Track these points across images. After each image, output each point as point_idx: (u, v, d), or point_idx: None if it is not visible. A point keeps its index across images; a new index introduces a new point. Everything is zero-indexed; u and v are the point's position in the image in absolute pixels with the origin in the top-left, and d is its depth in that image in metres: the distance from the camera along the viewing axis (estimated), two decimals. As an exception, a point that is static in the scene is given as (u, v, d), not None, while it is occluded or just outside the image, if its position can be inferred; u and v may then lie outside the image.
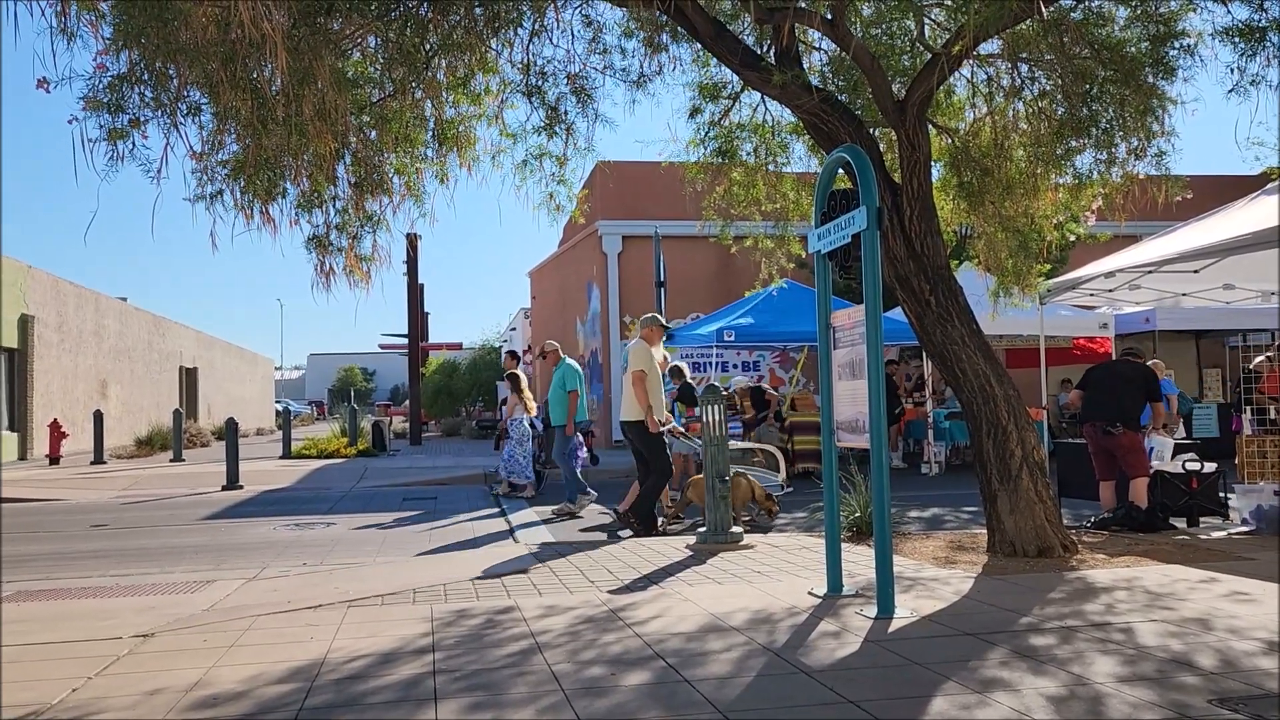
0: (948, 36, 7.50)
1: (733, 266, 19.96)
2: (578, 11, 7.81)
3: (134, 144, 6.17)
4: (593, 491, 11.38)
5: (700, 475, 8.73)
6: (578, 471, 11.60)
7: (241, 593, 6.78)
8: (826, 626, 5.14)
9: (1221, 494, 9.12)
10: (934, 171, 8.22)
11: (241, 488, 15.20)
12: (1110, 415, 8.71)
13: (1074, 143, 7.75)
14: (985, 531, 7.54)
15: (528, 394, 13.34)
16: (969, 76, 8.47)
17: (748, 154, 9.01)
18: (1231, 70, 6.74)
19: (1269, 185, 9.02)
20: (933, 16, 7.99)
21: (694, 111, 8.78)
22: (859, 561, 6.84)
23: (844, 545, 6.57)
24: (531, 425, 13.46)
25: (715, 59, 7.97)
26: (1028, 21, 6.87)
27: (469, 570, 7.18)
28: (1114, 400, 8.77)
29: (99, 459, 21.11)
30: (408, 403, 30.82)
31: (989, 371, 7.28)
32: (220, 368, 42.48)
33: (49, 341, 24.24)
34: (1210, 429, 16.06)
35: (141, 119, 6.16)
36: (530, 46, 7.59)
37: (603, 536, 9.15)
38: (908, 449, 17.58)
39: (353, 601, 6.12)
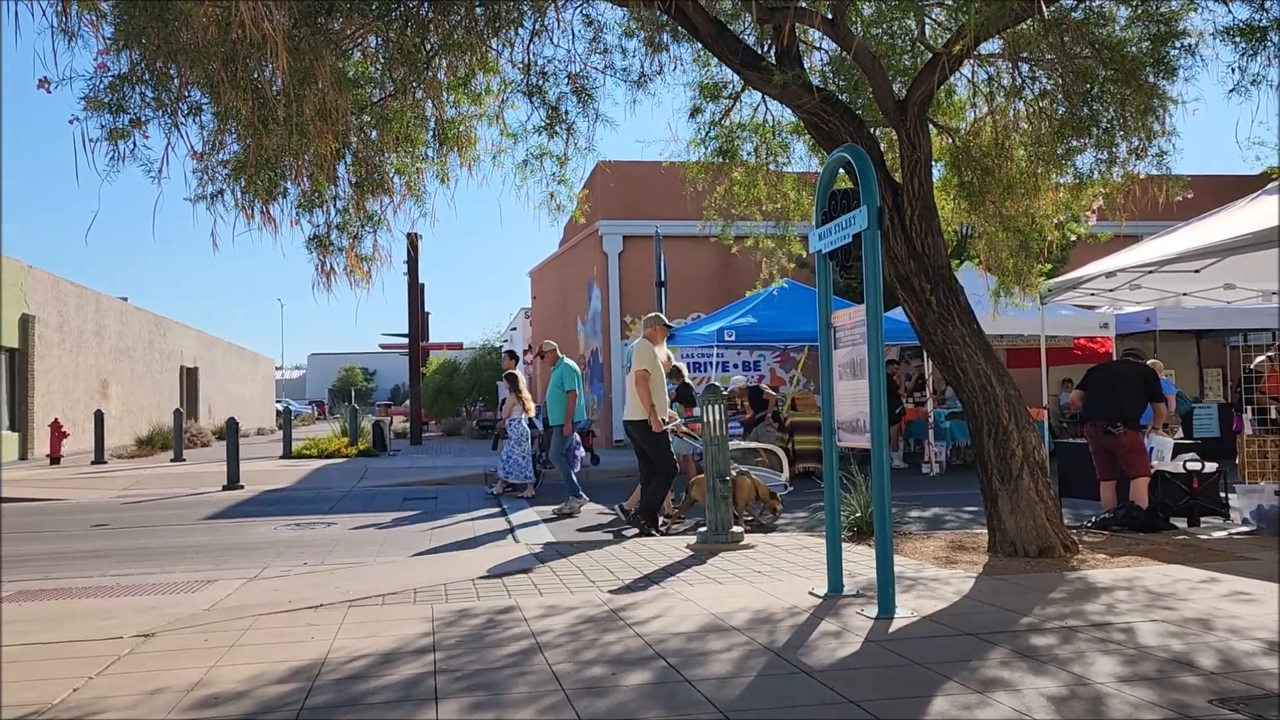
0: (948, 36, 7.50)
1: (733, 266, 19.97)
2: (578, 11, 7.82)
3: (135, 144, 6.18)
4: (584, 495, 11.33)
5: (703, 475, 8.72)
6: (574, 472, 11.60)
7: (242, 592, 6.78)
8: (827, 626, 5.14)
9: (1222, 494, 9.12)
10: (935, 171, 8.22)
11: (242, 487, 15.20)
12: (1111, 415, 8.71)
13: (1075, 142, 7.75)
14: (986, 531, 7.54)
15: (526, 394, 13.32)
16: (970, 76, 8.47)
17: (748, 154, 9.01)
18: (1232, 70, 6.75)
19: (1270, 185, 9.02)
20: (933, 16, 7.99)
21: (694, 111, 8.78)
22: (860, 561, 6.85)
23: (845, 545, 6.58)
24: (532, 425, 13.46)
25: (716, 59, 7.97)
26: (1028, 21, 6.87)
27: (470, 570, 7.18)
28: (1114, 400, 8.76)
29: (99, 459, 21.12)
30: (408, 402, 30.83)
31: (990, 371, 7.28)
32: (221, 367, 42.49)
33: (50, 341, 24.25)
34: (1211, 429, 16.08)
35: (142, 119, 6.16)
36: (531, 46, 7.60)
37: (603, 536, 9.16)
38: (908, 449, 17.57)
39: (353, 601, 6.12)
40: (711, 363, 18.60)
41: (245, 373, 47.95)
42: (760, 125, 9.01)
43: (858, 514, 8.15)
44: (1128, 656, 4.42)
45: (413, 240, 24.59)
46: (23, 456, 22.55)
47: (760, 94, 8.44)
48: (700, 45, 7.87)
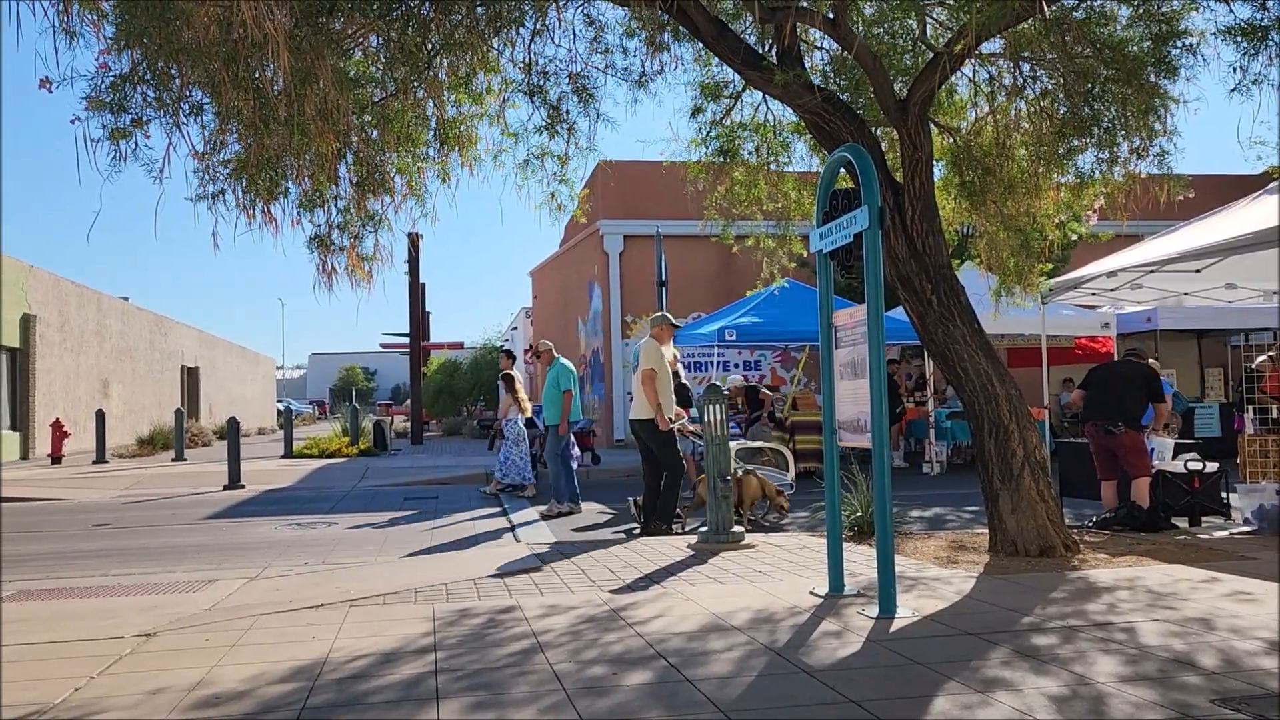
0: (950, 36, 7.50)
1: (734, 266, 19.96)
2: (579, 11, 7.82)
3: (136, 144, 6.19)
4: (566, 503, 11.27)
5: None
6: (574, 473, 11.60)
7: (243, 592, 6.78)
8: (828, 626, 5.14)
9: (1223, 494, 9.11)
10: (936, 171, 8.22)
11: (243, 487, 15.21)
12: (1112, 415, 8.71)
13: (1076, 142, 7.74)
14: (987, 531, 7.54)
15: (522, 395, 13.29)
16: (971, 76, 8.47)
17: (749, 153, 9.01)
18: (1233, 69, 6.75)
19: (1270, 184, 9.02)
20: (935, 16, 7.99)
21: (696, 111, 8.78)
22: (860, 561, 6.84)
23: (845, 545, 6.58)
24: (533, 425, 13.44)
25: (717, 58, 7.97)
26: (1030, 21, 6.87)
27: (470, 570, 7.18)
28: (1115, 400, 8.76)
29: (101, 458, 21.13)
30: (409, 402, 30.83)
31: (991, 371, 7.27)
32: (222, 367, 42.51)
33: (51, 341, 24.26)
34: (1212, 428, 16.07)
35: (144, 119, 6.17)
36: (532, 46, 7.60)
37: (604, 535, 9.16)
38: (909, 448, 17.57)
39: (354, 601, 6.12)
40: (712, 362, 18.59)
41: (246, 372, 47.96)
42: (761, 125, 9.01)
43: (859, 514, 8.15)
44: (1129, 656, 4.42)
45: (414, 240, 24.58)
46: (24, 456, 22.57)
47: (761, 94, 8.44)
48: (701, 45, 7.87)
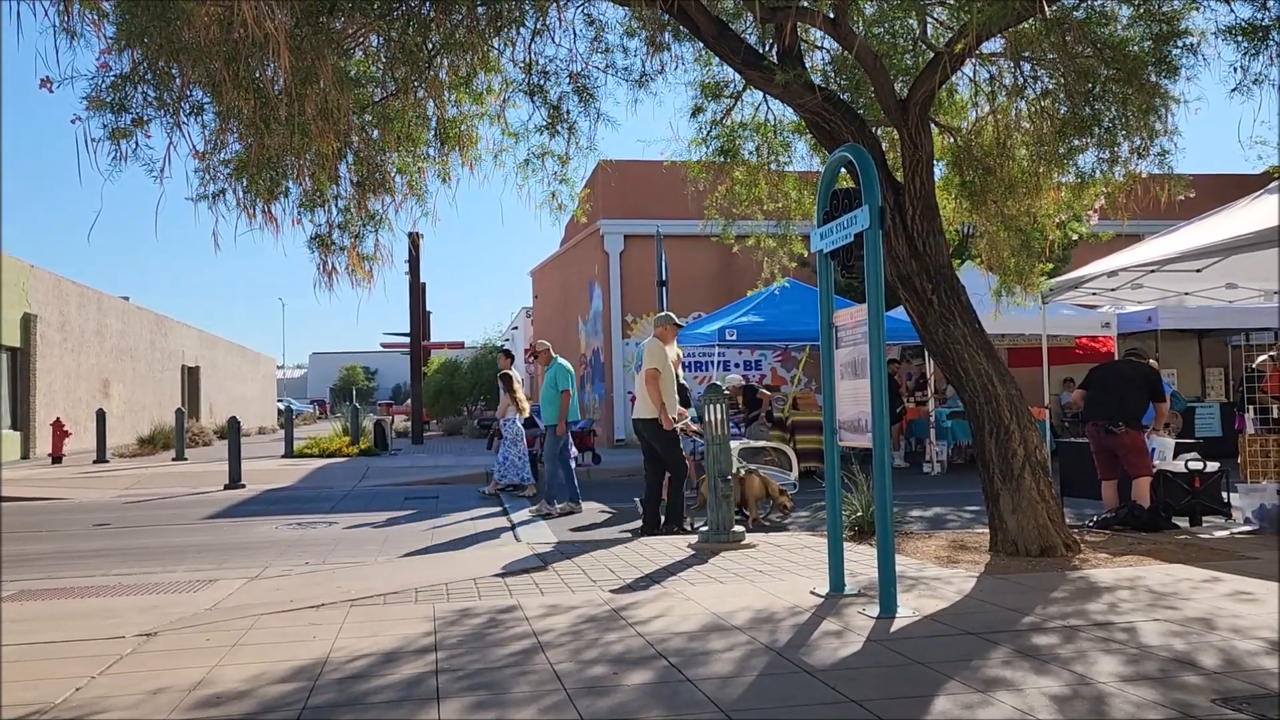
0: (950, 35, 7.50)
1: (734, 266, 19.96)
2: (580, 10, 7.82)
3: (137, 143, 6.20)
4: (556, 505, 11.26)
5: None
6: (574, 472, 11.60)
7: (244, 592, 6.78)
8: (829, 626, 5.14)
9: (1224, 493, 9.11)
10: (936, 170, 8.21)
11: (244, 487, 15.21)
12: (1112, 415, 8.71)
13: (1076, 141, 7.74)
14: (987, 531, 7.54)
15: (520, 394, 13.27)
16: (971, 75, 8.47)
17: (750, 153, 9.00)
18: (1234, 69, 6.74)
19: (1271, 184, 9.01)
20: (935, 15, 7.99)
21: (696, 110, 8.78)
22: (861, 561, 6.84)
23: (846, 544, 6.58)
24: (532, 424, 13.44)
25: (717, 58, 7.97)
26: (1030, 20, 6.87)
27: (471, 569, 7.18)
28: (1116, 400, 8.76)
29: (101, 458, 21.14)
30: (409, 402, 30.83)
31: (991, 371, 7.27)
32: (222, 367, 42.51)
33: (51, 341, 24.27)
34: (1213, 428, 16.07)
35: (144, 118, 6.17)
36: (532, 45, 7.60)
37: (605, 535, 9.17)
38: (910, 448, 17.57)
39: (355, 601, 6.12)
40: (713, 362, 18.59)
41: (247, 372, 47.96)
42: (762, 125, 9.01)
43: (859, 513, 8.15)
44: (1130, 656, 4.42)
45: (414, 239, 24.54)
46: (25, 455, 22.57)
47: (762, 93, 8.43)
48: (702, 44, 7.87)
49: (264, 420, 47.50)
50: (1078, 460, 9.72)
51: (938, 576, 6.44)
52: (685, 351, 16.99)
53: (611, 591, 6.20)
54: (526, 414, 13.34)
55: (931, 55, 7.53)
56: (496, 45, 7.29)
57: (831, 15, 7.23)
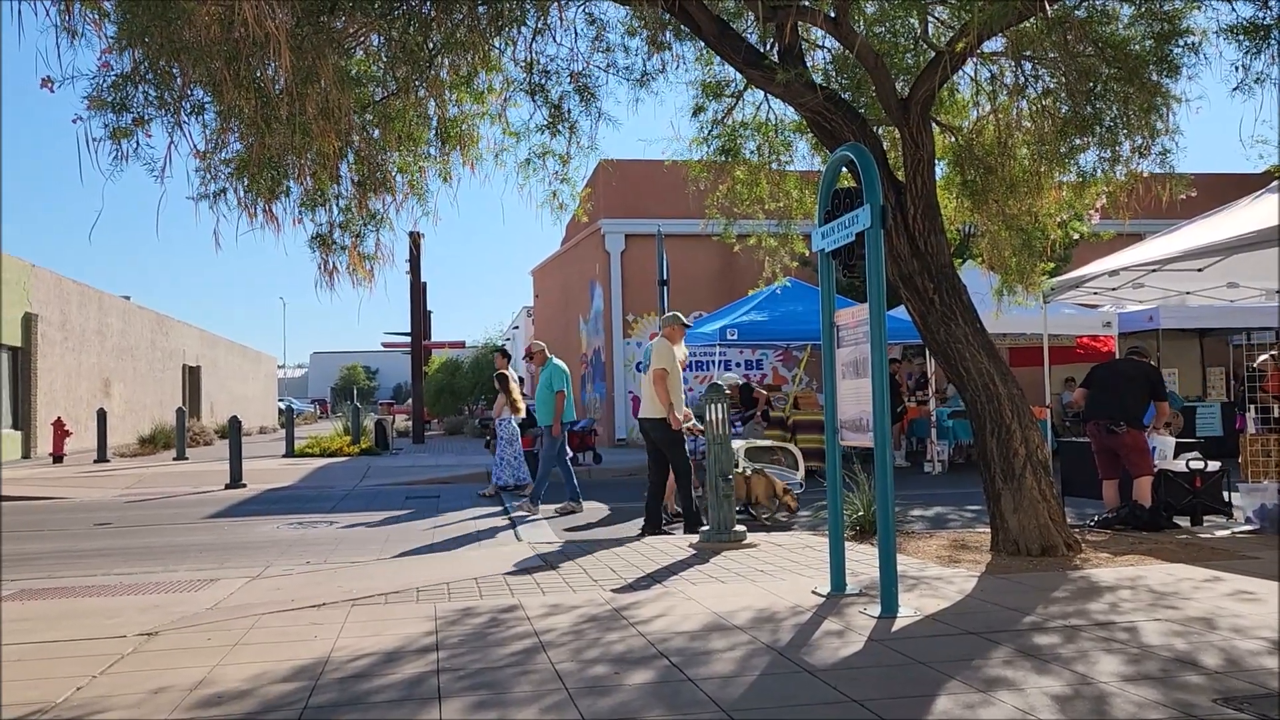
0: (951, 34, 7.50)
1: (736, 265, 19.96)
2: (581, 10, 7.82)
3: (138, 143, 6.20)
4: (569, 503, 11.29)
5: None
6: (573, 472, 11.60)
7: (245, 591, 6.78)
8: (830, 625, 5.14)
9: (1225, 493, 9.11)
10: (937, 170, 8.21)
11: (245, 486, 15.21)
12: (1114, 414, 8.70)
13: (1078, 141, 7.74)
14: (989, 530, 7.53)
15: (516, 394, 13.25)
16: (972, 75, 8.47)
17: (751, 152, 9.00)
18: (1236, 68, 6.73)
19: (1272, 184, 9.01)
20: (936, 14, 7.98)
21: (697, 110, 8.78)
22: (862, 560, 6.84)
23: (847, 544, 6.58)
24: (533, 424, 13.42)
25: (719, 57, 7.97)
26: (1031, 19, 6.87)
27: (472, 569, 7.18)
28: (1118, 399, 8.76)
29: (102, 457, 21.14)
30: (410, 401, 30.82)
31: (993, 370, 7.27)
32: (223, 366, 42.52)
33: (52, 340, 24.28)
34: (1214, 427, 16.05)
35: (145, 118, 6.17)
36: (533, 45, 7.60)
37: (606, 535, 9.17)
38: (911, 447, 17.57)
39: (356, 600, 6.12)
40: (714, 361, 18.58)
41: (248, 371, 47.98)
42: (763, 124, 9.01)
43: (860, 513, 8.15)
44: (1131, 655, 4.42)
45: (415, 239, 24.53)
46: (25, 455, 22.58)
47: (763, 92, 8.43)
48: (703, 44, 7.86)
49: (265, 420, 47.52)
50: (1079, 460, 9.72)
51: (939, 576, 6.43)
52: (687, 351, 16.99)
53: (613, 591, 6.20)
54: (522, 413, 13.32)
55: (933, 54, 7.53)
56: (497, 44, 7.29)
57: (833, 14, 7.22)
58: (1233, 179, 18.53)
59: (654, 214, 20.68)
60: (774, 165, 9.13)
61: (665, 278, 19.33)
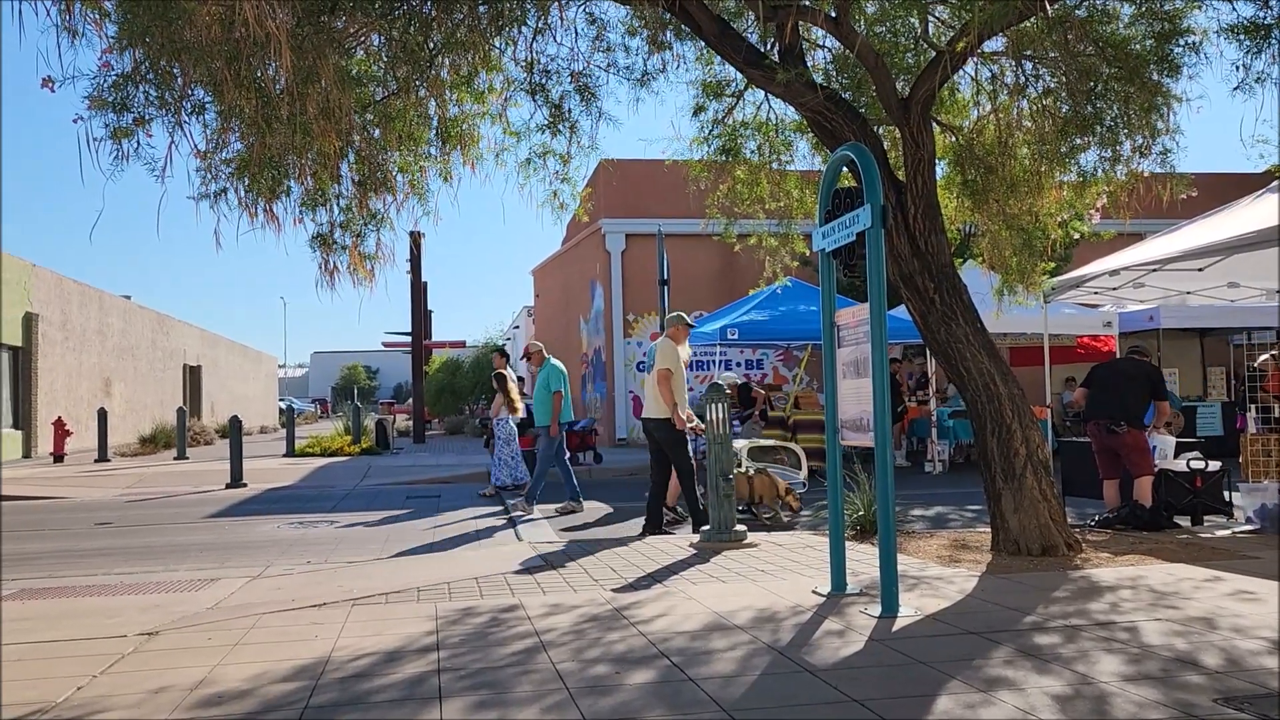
0: (952, 34, 7.49)
1: (736, 265, 19.96)
2: (581, 9, 7.82)
3: (139, 143, 6.20)
4: (569, 502, 11.29)
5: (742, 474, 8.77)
6: (572, 472, 11.59)
7: (246, 591, 6.78)
8: (831, 625, 5.14)
9: (1226, 493, 9.10)
10: (938, 169, 8.21)
11: (245, 486, 15.21)
12: (1114, 414, 8.70)
13: (1078, 140, 7.74)
14: (989, 530, 7.53)
15: (514, 394, 13.24)
16: (973, 74, 8.46)
17: (751, 152, 9.00)
18: (1236, 68, 6.73)
19: (1273, 183, 9.01)
20: (937, 14, 7.98)
21: (698, 109, 8.78)
22: (863, 560, 6.84)
23: (848, 544, 6.58)
24: (532, 423, 13.42)
25: (719, 57, 7.97)
26: (1032, 19, 6.86)
27: (473, 568, 7.18)
28: (1118, 399, 8.75)
29: (103, 457, 21.15)
30: (411, 401, 30.81)
31: (993, 370, 7.27)
32: (224, 366, 42.53)
33: (53, 340, 24.29)
34: (1215, 427, 16.05)
35: (146, 118, 6.17)
36: (534, 44, 7.60)
37: (606, 534, 9.17)
38: (911, 447, 17.57)
39: (357, 600, 6.12)
40: (714, 361, 18.58)
41: (248, 371, 47.98)
42: (763, 123, 9.01)
43: (861, 513, 8.15)
44: (1132, 655, 4.42)
45: (416, 239, 24.54)
46: (26, 455, 22.59)
47: (763, 92, 8.43)
48: (703, 43, 7.86)
49: (265, 419, 47.52)
50: (1079, 459, 9.71)
51: (939, 576, 6.43)
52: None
53: (613, 590, 6.20)
54: (520, 413, 13.31)
55: (933, 54, 7.53)
56: (498, 44, 7.29)
57: (833, 14, 7.22)
58: (1233, 179, 18.53)
59: (654, 214, 20.68)
60: (774, 165, 9.13)
61: (666, 277, 19.33)
